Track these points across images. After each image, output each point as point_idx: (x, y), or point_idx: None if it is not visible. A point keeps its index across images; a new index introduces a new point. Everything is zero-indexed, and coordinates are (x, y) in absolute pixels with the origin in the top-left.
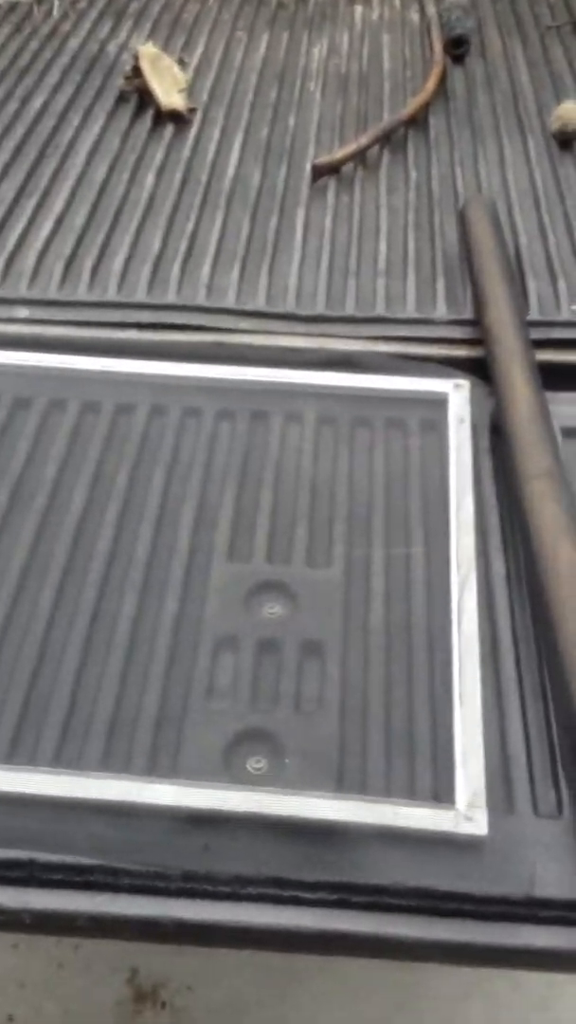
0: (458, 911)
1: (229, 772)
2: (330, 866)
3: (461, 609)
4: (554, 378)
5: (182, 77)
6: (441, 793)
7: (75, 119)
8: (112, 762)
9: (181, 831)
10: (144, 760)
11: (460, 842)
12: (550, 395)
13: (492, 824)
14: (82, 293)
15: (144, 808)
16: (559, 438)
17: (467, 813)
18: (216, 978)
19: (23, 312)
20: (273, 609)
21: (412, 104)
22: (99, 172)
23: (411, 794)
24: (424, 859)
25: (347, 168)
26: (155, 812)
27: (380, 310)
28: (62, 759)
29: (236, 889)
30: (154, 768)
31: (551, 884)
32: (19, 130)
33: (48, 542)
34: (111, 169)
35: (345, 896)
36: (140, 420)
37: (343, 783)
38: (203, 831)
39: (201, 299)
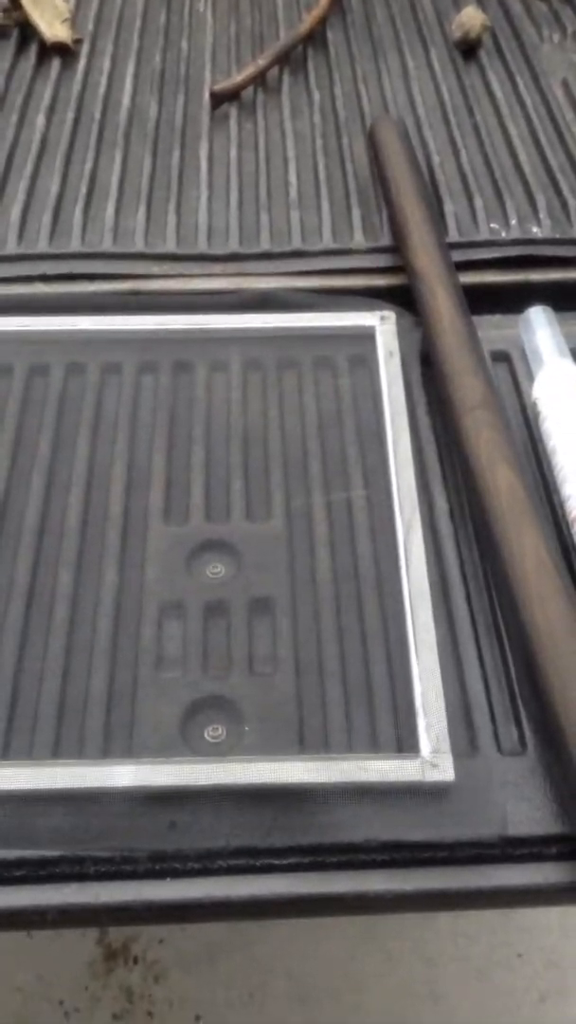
0: (432, 859)
1: (187, 744)
2: (300, 829)
3: (408, 551)
4: (479, 301)
5: (64, 6)
6: (404, 743)
7: None
8: (65, 748)
9: (144, 812)
10: (98, 742)
11: (428, 790)
12: (476, 319)
13: (458, 768)
14: None
15: (103, 792)
16: (489, 363)
17: (432, 760)
18: (185, 928)
19: None
20: (216, 569)
21: (308, 20)
22: None
23: (374, 747)
24: (394, 811)
25: (247, 93)
26: (115, 795)
27: (296, 243)
28: (11, 751)
29: (207, 864)
30: (109, 749)
31: (522, 822)
32: None
33: None
34: None
35: (318, 858)
36: (57, 381)
37: (305, 743)
38: (167, 809)
39: (108, 245)
